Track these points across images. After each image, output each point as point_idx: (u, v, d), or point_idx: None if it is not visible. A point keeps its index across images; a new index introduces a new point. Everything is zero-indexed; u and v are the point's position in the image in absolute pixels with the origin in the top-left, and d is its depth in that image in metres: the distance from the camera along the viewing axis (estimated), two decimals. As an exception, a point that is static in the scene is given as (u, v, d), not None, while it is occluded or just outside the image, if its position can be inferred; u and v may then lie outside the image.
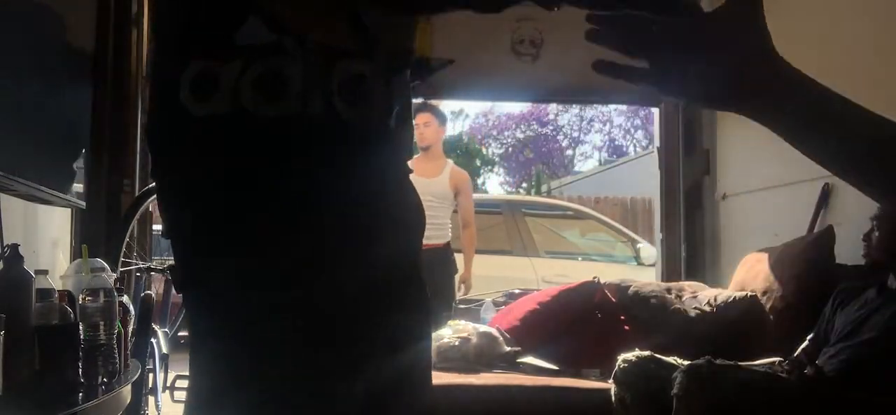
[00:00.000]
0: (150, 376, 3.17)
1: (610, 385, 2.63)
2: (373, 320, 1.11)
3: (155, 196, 3.50)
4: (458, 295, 4.61)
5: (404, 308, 1.17)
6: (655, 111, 4.53)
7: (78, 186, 2.67)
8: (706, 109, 0.87)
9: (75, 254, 3.27)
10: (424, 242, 1.28)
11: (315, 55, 1.08)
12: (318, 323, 1.05)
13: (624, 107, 19.02)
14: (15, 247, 1.66)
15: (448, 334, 3.30)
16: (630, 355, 2.59)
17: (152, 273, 3.58)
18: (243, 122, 1.05)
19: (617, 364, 2.61)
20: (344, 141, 1.09)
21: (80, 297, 1.85)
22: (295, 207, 1.07)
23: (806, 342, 2.71)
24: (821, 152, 0.75)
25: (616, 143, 22.21)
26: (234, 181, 1.07)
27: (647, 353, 2.61)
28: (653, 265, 5.39)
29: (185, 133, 1.08)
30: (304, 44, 1.07)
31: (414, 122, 1.49)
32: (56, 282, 2.08)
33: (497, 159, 20.80)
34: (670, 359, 2.54)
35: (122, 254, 3.20)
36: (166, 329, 3.59)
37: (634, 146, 21.17)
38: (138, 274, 3.43)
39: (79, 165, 2.68)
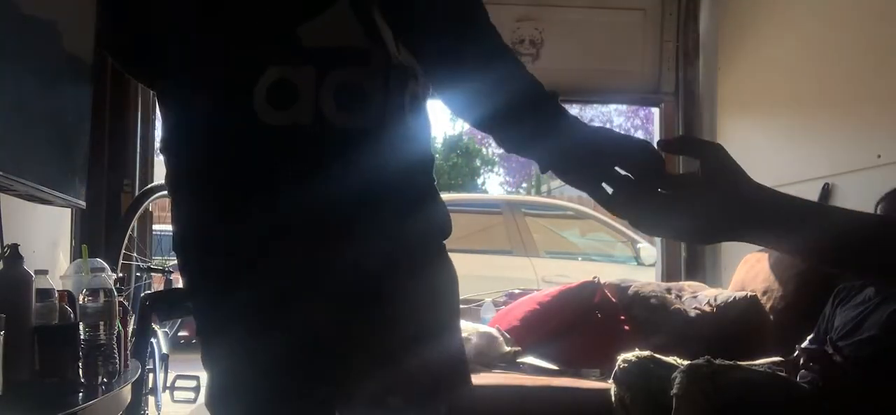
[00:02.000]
0: (150, 376, 3.17)
1: (610, 385, 2.63)
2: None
3: (155, 196, 3.52)
4: None
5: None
6: (655, 111, 4.52)
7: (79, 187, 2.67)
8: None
9: (75, 254, 3.27)
10: None
11: (395, 68, 1.13)
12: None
13: (624, 107, 18.98)
14: (15, 247, 1.66)
15: (448, 334, 3.30)
16: (630, 355, 2.59)
17: (152, 273, 3.58)
18: (325, 132, 1.08)
19: (617, 364, 2.60)
20: (408, 149, 1.18)
21: (80, 297, 1.85)
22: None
23: (806, 342, 2.71)
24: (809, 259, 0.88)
25: (616, 143, 22.18)
26: (308, 190, 1.09)
27: (646, 353, 2.61)
28: (653, 265, 5.38)
29: (259, 141, 1.09)
30: (389, 58, 1.12)
31: None
32: (56, 282, 2.08)
33: (497, 159, 20.78)
34: (670, 359, 2.54)
35: (122, 254, 3.20)
36: (166, 329, 3.60)
37: (634, 146, 21.12)
38: (138, 274, 3.43)
39: (79, 164, 2.68)
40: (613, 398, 2.61)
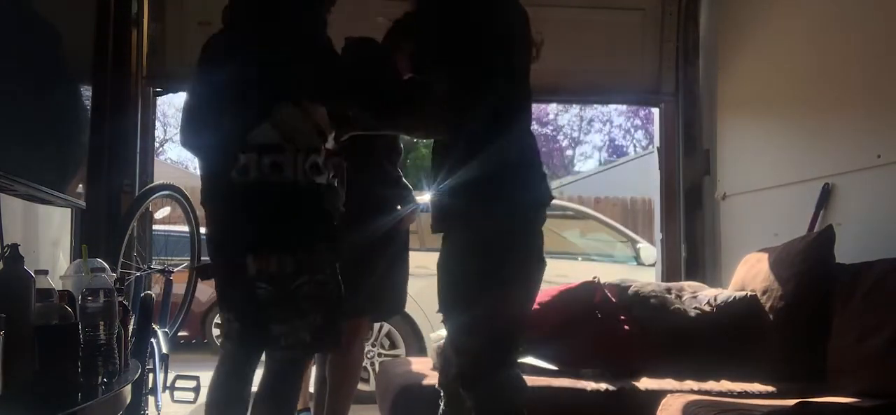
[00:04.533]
0: (150, 376, 3.17)
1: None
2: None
3: (155, 196, 3.52)
4: None
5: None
6: (655, 111, 4.53)
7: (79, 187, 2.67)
8: None
9: (75, 254, 3.27)
10: None
11: (299, 153, 2.24)
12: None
13: (624, 107, 19.00)
14: (15, 247, 1.66)
15: (448, 334, 3.29)
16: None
17: (152, 273, 3.57)
18: (262, 186, 2.22)
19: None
20: (314, 194, 2.28)
21: (80, 297, 1.85)
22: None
23: None
24: None
25: (616, 143, 22.21)
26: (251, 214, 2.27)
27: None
28: (653, 265, 5.38)
29: (232, 193, 2.24)
30: (297, 149, 2.22)
31: None
32: (56, 282, 2.08)
33: (497, 159, 20.76)
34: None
35: (122, 254, 3.20)
36: (166, 329, 3.59)
37: (634, 146, 21.17)
38: (138, 274, 3.42)
39: (79, 165, 2.68)
40: None
